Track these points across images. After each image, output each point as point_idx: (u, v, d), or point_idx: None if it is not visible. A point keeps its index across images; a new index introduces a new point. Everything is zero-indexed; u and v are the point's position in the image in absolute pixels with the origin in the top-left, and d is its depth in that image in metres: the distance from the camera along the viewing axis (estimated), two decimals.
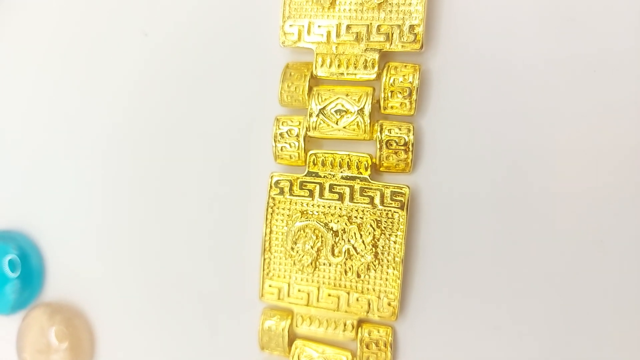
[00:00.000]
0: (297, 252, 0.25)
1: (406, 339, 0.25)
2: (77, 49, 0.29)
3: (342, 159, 0.25)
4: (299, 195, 0.25)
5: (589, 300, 0.23)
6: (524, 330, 0.23)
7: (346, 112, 0.24)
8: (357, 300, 0.24)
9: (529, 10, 0.23)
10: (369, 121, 0.24)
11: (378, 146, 0.24)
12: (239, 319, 0.27)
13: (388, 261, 0.24)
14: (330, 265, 0.25)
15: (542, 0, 0.23)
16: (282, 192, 0.25)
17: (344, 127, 0.24)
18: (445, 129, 0.24)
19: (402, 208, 0.24)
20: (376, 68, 0.24)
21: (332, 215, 0.25)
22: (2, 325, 0.30)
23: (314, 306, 0.25)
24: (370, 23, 0.24)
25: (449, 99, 0.24)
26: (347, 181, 0.24)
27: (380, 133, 0.24)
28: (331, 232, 0.25)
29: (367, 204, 0.24)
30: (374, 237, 0.24)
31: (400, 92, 0.24)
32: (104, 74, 0.29)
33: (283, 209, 0.25)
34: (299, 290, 0.25)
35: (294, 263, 0.25)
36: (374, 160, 0.24)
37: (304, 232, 0.25)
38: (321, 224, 0.25)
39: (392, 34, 0.24)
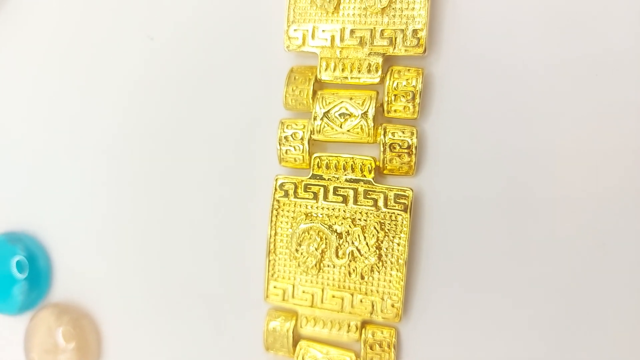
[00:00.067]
0: (302, 253, 0.25)
1: (409, 340, 0.25)
2: (82, 50, 0.29)
3: (346, 162, 0.25)
4: (303, 198, 0.25)
5: (592, 301, 0.23)
6: (527, 332, 0.23)
7: (350, 115, 0.24)
8: (361, 301, 0.25)
9: (531, 14, 0.23)
10: (372, 124, 0.24)
11: (382, 149, 0.24)
12: (244, 319, 0.27)
13: (392, 263, 0.24)
14: (334, 267, 0.25)
15: (544, 4, 0.23)
16: (286, 194, 0.25)
17: (348, 131, 0.24)
18: (449, 132, 0.24)
19: (405, 210, 0.24)
20: (380, 72, 0.24)
21: (336, 217, 0.25)
22: (10, 326, 0.31)
23: (318, 307, 0.25)
24: (374, 27, 0.24)
25: (452, 103, 0.24)
26: (351, 184, 0.25)
27: (384, 136, 0.24)
28: (335, 234, 0.25)
29: (371, 206, 0.24)
30: (377, 239, 0.24)
31: (403, 96, 0.24)
32: (114, 74, 0.29)
33: (288, 211, 0.25)
34: (303, 292, 0.25)
35: (299, 265, 0.25)
36: (377, 163, 0.24)
37: (308, 234, 0.25)
38: (325, 226, 0.25)
39: (396, 38, 0.24)
